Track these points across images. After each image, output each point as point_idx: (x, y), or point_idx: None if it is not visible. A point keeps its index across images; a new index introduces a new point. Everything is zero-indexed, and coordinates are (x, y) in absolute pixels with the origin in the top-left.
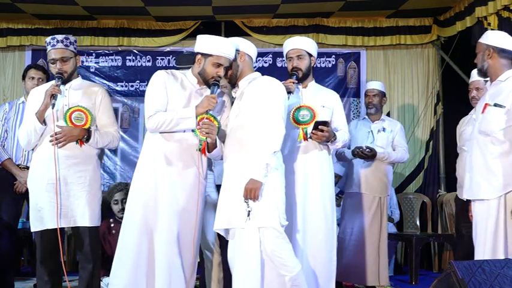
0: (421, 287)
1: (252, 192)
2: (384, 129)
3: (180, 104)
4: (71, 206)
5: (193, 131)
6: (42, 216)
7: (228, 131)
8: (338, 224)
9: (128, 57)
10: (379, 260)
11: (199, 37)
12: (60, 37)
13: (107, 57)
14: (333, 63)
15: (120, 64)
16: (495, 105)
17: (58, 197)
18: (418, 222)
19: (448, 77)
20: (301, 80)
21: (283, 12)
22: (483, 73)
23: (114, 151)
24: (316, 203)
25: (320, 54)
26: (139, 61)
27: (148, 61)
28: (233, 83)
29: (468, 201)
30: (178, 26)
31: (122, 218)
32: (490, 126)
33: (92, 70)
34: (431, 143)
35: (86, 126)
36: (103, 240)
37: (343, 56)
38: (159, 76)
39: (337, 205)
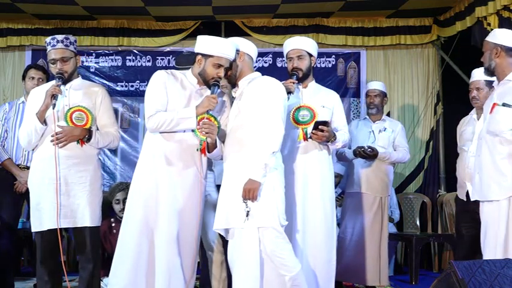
0: (421, 287)
1: (250, 192)
2: (385, 129)
3: (180, 104)
4: (71, 206)
5: (193, 131)
6: (42, 216)
7: (227, 131)
8: (338, 224)
9: (128, 57)
10: (379, 260)
11: (200, 38)
12: (60, 37)
13: (107, 57)
14: (333, 63)
15: (120, 64)
16: (503, 104)
17: (58, 197)
18: (418, 222)
19: (448, 77)
20: (301, 80)
21: (283, 12)
22: (490, 72)
23: (114, 151)
24: (316, 203)
25: (320, 54)
26: (139, 61)
27: (148, 61)
28: (233, 83)
29: (468, 201)
30: (178, 26)
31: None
32: (499, 126)
33: (92, 70)
34: (431, 143)
35: (87, 126)
36: (104, 240)
37: (343, 56)
38: (159, 76)
39: (339, 205)
